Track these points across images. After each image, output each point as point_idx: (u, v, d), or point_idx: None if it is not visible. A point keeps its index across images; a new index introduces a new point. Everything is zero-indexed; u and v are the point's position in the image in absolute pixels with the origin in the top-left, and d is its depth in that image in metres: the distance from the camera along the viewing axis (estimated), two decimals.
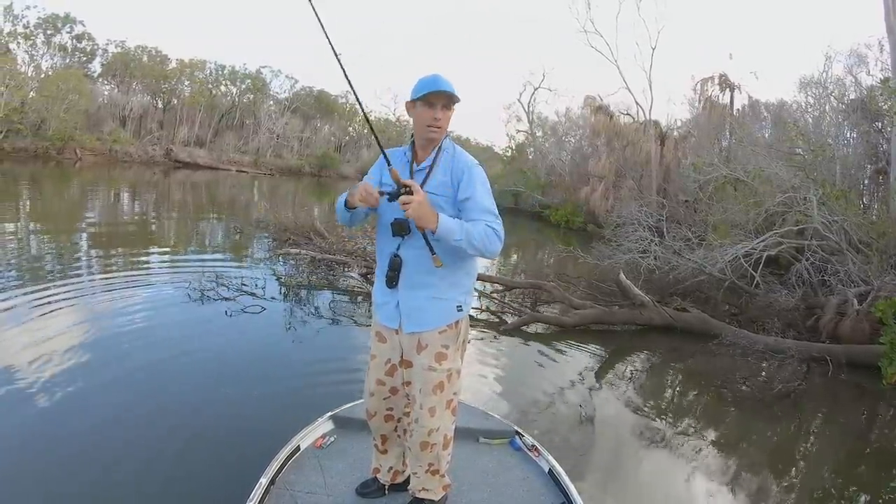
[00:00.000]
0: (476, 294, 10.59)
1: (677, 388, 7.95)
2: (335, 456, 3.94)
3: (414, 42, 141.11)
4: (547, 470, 3.95)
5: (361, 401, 4.23)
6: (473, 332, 8.86)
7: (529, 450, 4.19)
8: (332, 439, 4.13)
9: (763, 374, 7.88)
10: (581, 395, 6.98)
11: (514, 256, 20.35)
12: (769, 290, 10.77)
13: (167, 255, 13.44)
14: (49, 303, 8.24)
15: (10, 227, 15.24)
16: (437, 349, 3.10)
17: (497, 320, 9.73)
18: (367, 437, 3.71)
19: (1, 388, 5.44)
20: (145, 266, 11.90)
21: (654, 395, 7.49)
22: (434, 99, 2.96)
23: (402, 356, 3.21)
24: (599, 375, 7.82)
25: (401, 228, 2.95)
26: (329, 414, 4.34)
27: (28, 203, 21.41)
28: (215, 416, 5.28)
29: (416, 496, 3.39)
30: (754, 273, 10.88)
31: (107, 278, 10.20)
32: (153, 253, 13.65)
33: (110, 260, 12.11)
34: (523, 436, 4.34)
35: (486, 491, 3.69)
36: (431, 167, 3.08)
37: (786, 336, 9.04)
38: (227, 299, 9.16)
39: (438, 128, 3.01)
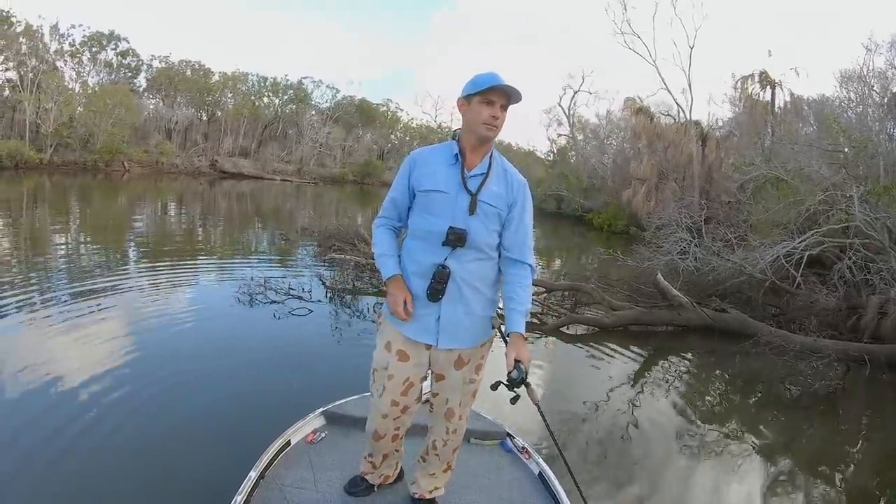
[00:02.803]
0: None
1: (703, 390, 7.92)
2: (326, 451, 3.93)
3: (447, 45, 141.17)
4: (537, 473, 3.94)
5: (354, 397, 4.40)
6: None
7: (520, 452, 4.18)
8: (323, 435, 4.13)
9: (801, 374, 7.83)
10: (605, 397, 6.98)
11: (558, 261, 20.39)
12: (811, 291, 10.68)
13: (216, 261, 13.82)
14: (99, 303, 8.65)
15: (62, 235, 15.72)
16: (477, 362, 3.06)
17: (537, 322, 9.81)
18: (357, 433, 3.72)
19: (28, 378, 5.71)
20: (195, 271, 12.26)
21: (677, 396, 7.45)
22: (494, 96, 2.73)
23: (426, 370, 3.07)
24: (629, 377, 7.84)
25: (458, 239, 2.77)
26: (321, 409, 4.33)
27: (79, 213, 22.04)
28: (209, 410, 5.38)
29: (427, 497, 3.40)
30: (795, 273, 10.80)
31: (155, 282, 10.56)
32: (202, 259, 14.01)
33: (160, 265, 12.40)
34: (514, 438, 4.32)
35: (476, 492, 3.68)
36: (487, 175, 2.87)
37: (827, 336, 8.97)
38: (275, 302, 9.43)
39: (496, 127, 2.77)
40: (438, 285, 2.81)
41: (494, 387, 2.67)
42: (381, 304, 3.12)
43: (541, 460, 3.99)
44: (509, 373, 2.61)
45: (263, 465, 3.54)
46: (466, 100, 2.81)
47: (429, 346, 2.95)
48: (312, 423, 4.22)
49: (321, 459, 3.81)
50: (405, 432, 3.33)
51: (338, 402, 4.43)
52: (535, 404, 2.73)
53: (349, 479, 3.55)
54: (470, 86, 2.78)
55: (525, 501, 3.66)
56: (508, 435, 4.34)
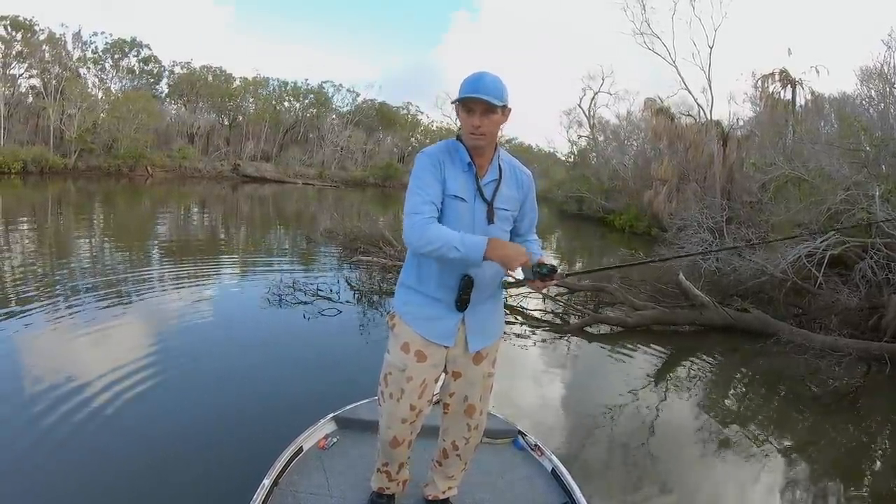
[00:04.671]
0: (541, 296, 10.85)
1: (724, 389, 8.00)
2: (338, 457, 3.91)
3: (470, 45, 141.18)
4: (550, 470, 3.91)
5: (365, 401, 4.37)
6: (537, 334, 9.16)
7: (532, 449, 4.15)
8: (335, 440, 4.10)
9: (822, 373, 7.88)
10: (627, 396, 7.03)
11: (580, 262, 20.47)
12: (833, 290, 10.70)
13: (243, 263, 14.08)
14: (123, 305, 9.02)
15: (87, 239, 16.11)
16: (493, 356, 3.07)
17: (560, 322, 9.97)
18: (369, 437, 3.73)
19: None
20: (222, 273, 12.56)
21: (699, 395, 7.54)
22: (472, 104, 2.64)
23: (444, 368, 3.01)
24: (651, 376, 7.91)
25: None
26: (332, 415, 4.30)
27: (103, 217, 22.58)
28: (221, 418, 5.39)
29: (440, 498, 3.38)
30: (817, 273, 10.80)
31: (182, 284, 10.84)
32: (228, 261, 14.34)
33: (186, 267, 12.67)
34: (526, 435, 4.28)
35: (489, 491, 3.67)
36: (499, 182, 2.83)
37: (848, 336, 9.01)
38: (304, 303, 9.63)
39: (481, 135, 2.68)
40: (465, 295, 2.78)
41: (537, 271, 2.67)
42: (393, 305, 3.07)
43: (553, 457, 3.98)
44: (543, 265, 2.66)
45: (277, 472, 3.53)
46: (456, 106, 2.74)
47: (446, 346, 2.91)
48: (324, 428, 4.21)
49: (334, 465, 3.82)
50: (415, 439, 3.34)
51: (349, 407, 4.43)
52: (561, 280, 2.85)
53: (363, 482, 3.50)
54: (459, 91, 2.69)
55: (539, 499, 3.65)
56: (520, 433, 4.33)
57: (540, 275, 2.65)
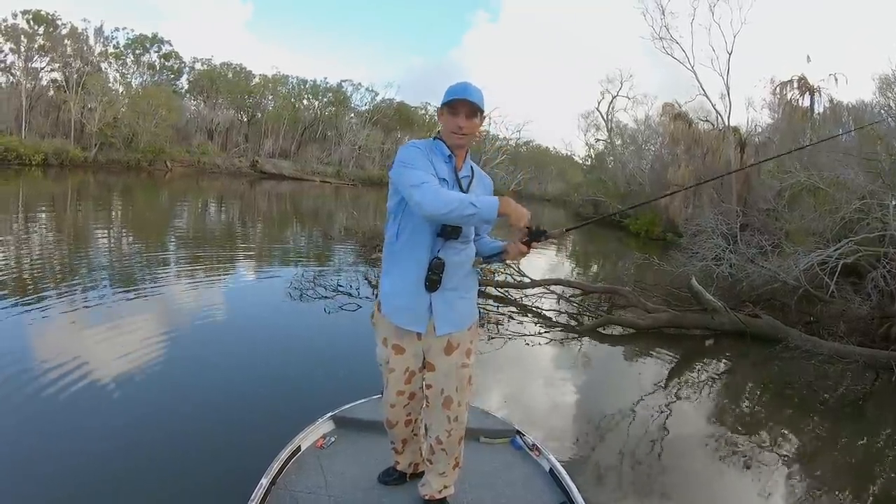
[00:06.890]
0: (556, 297, 11.00)
1: (732, 393, 8.07)
2: (336, 456, 3.93)
3: (490, 46, 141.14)
4: (548, 469, 3.93)
5: (362, 400, 4.46)
6: (550, 334, 9.32)
7: (530, 449, 4.17)
8: (332, 439, 4.12)
9: (829, 379, 8.00)
10: (637, 397, 7.15)
11: (595, 265, 20.57)
12: (844, 299, 10.75)
13: (261, 258, 14.22)
14: (140, 298, 9.06)
15: (106, 231, 16.32)
16: (466, 346, 3.17)
17: (574, 322, 10.11)
18: (367, 437, 3.98)
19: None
20: (241, 268, 12.76)
21: (708, 398, 7.65)
22: (458, 106, 2.93)
23: (423, 360, 3.20)
24: (661, 377, 8.01)
25: (453, 231, 2.94)
26: (329, 414, 4.32)
27: (122, 209, 22.75)
28: (217, 418, 5.33)
29: (437, 497, 3.42)
30: (829, 281, 10.87)
31: (200, 278, 11.03)
32: (247, 256, 14.51)
33: (204, 261, 12.85)
34: (524, 435, 4.30)
35: (487, 491, 3.67)
36: (472, 177, 3.13)
37: (857, 344, 9.09)
38: (325, 298, 9.83)
39: (463, 135, 2.97)
40: (435, 276, 2.95)
41: (529, 236, 2.83)
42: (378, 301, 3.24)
43: (551, 456, 4.00)
44: (531, 230, 2.81)
45: (274, 471, 3.56)
46: (441, 110, 3.03)
47: (419, 336, 3.10)
48: (321, 427, 4.23)
49: (332, 464, 3.83)
50: (422, 421, 3.50)
51: (347, 406, 4.45)
52: (558, 236, 3.02)
53: (362, 480, 3.65)
54: (443, 97, 2.98)
55: (537, 498, 3.66)
56: (518, 433, 4.35)
57: (534, 235, 2.84)
